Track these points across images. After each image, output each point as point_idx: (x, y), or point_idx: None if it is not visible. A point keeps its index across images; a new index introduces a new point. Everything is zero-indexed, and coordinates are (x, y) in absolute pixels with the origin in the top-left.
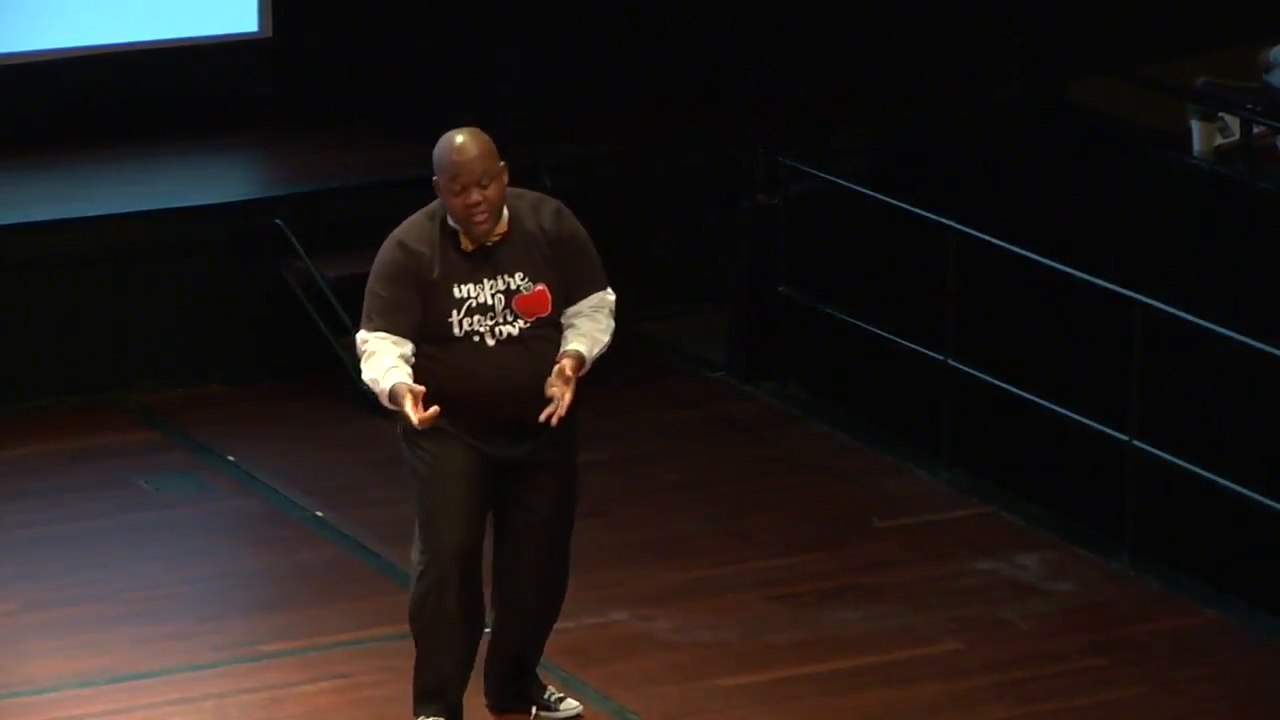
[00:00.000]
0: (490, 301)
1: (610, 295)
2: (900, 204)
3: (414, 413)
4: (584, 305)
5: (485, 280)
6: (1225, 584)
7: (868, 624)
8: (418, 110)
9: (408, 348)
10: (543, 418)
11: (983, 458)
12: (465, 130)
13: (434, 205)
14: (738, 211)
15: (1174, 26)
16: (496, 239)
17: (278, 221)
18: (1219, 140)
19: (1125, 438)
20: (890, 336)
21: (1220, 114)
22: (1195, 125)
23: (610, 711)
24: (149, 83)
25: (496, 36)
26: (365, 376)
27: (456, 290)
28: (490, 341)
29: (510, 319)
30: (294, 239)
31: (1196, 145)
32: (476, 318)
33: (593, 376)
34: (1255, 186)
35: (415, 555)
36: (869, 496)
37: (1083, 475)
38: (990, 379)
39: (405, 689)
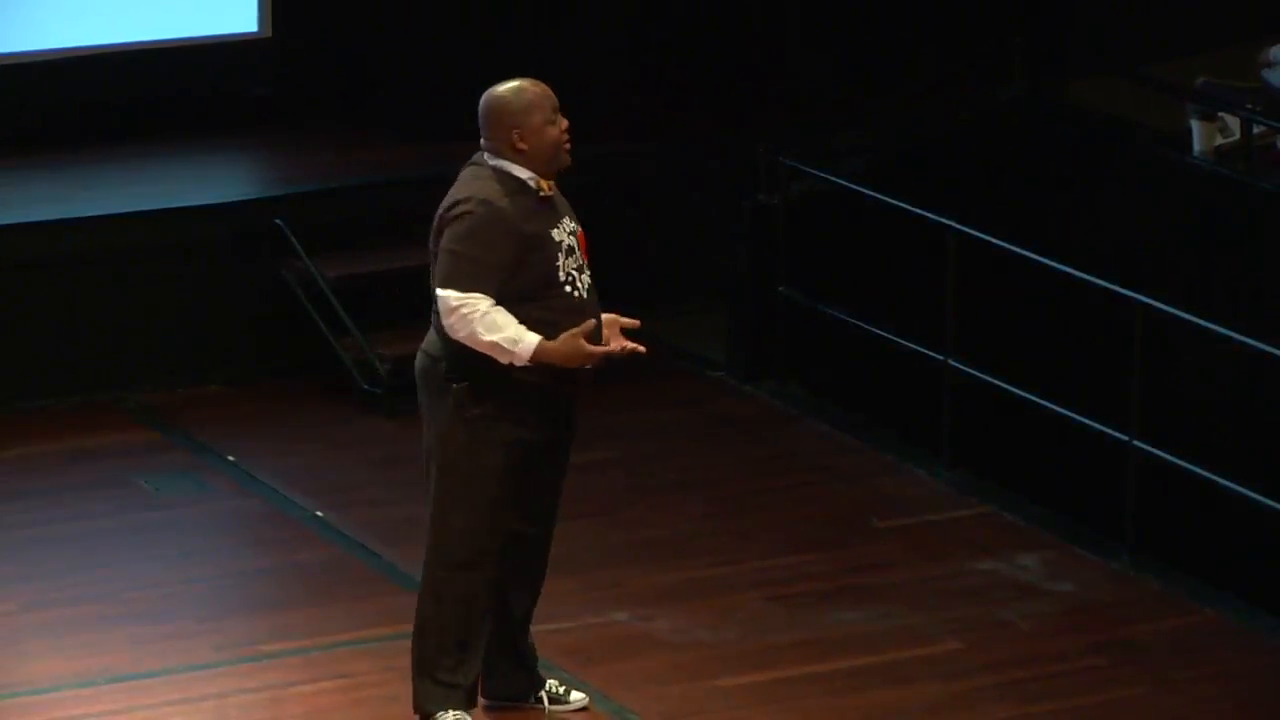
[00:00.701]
0: (570, 243)
1: None
2: (900, 204)
3: (596, 348)
4: None
5: (558, 225)
6: (1225, 584)
7: (868, 624)
8: (418, 110)
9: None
10: (629, 348)
11: (983, 458)
12: (516, 79)
13: (474, 175)
14: (738, 211)
15: (1174, 26)
16: (554, 186)
17: (277, 221)
18: (1219, 140)
19: (1125, 438)
20: (890, 336)
21: (1220, 114)
22: (1195, 125)
23: (611, 711)
24: (149, 83)
25: (497, 36)
26: (486, 338)
27: (554, 234)
28: (583, 292)
29: (582, 264)
30: (294, 239)
31: (1196, 145)
32: (568, 260)
33: (592, 376)
34: (1255, 186)
35: (446, 554)
36: (869, 496)
37: (1083, 475)
38: (990, 379)
39: (405, 689)
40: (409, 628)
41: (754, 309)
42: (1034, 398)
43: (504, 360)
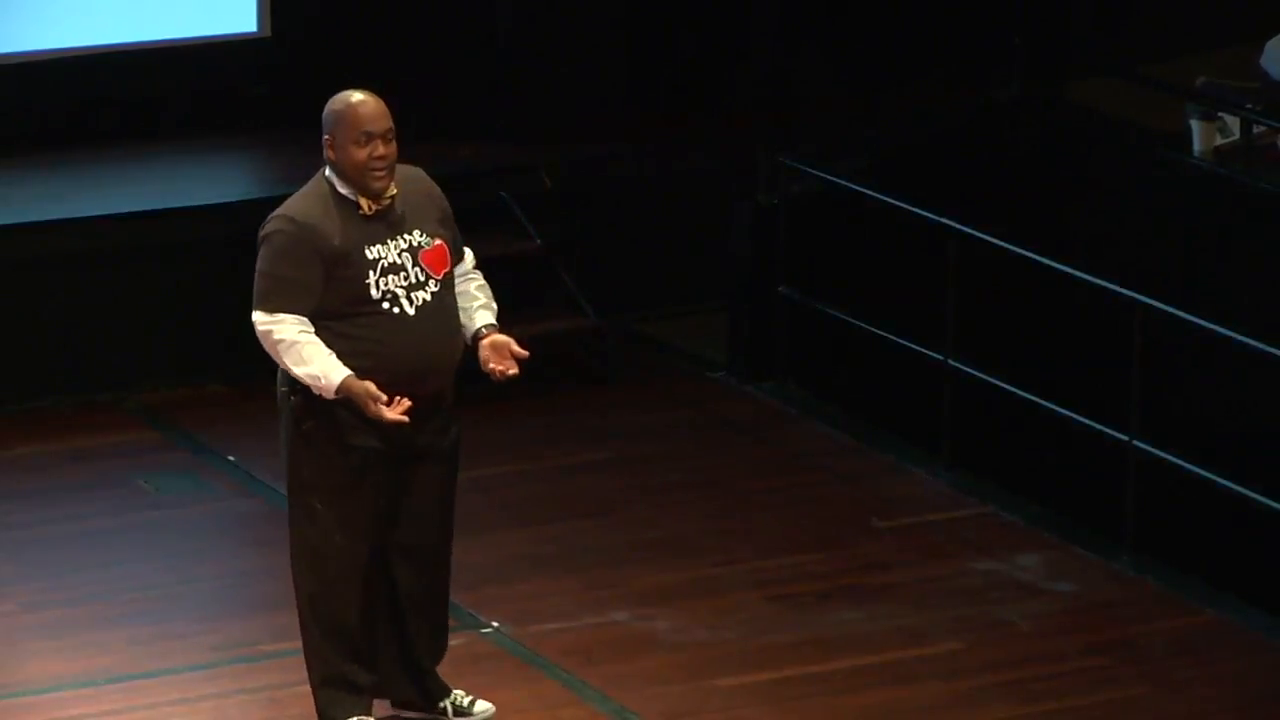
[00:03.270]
0: (399, 260)
1: (472, 255)
2: (900, 204)
3: (384, 411)
4: (466, 266)
5: (389, 241)
6: (1225, 584)
7: (868, 624)
8: (416, 111)
9: (312, 329)
10: (493, 370)
11: (983, 458)
12: (360, 90)
13: (313, 181)
14: (738, 211)
15: (1174, 26)
16: (389, 201)
17: None
18: (1219, 140)
19: (1125, 438)
20: (890, 336)
21: (1220, 114)
22: (1195, 125)
23: (611, 711)
24: (148, 82)
25: (496, 36)
26: (297, 372)
27: (368, 251)
28: (410, 309)
29: (421, 279)
30: None
31: (1196, 145)
32: (390, 277)
33: (592, 376)
34: (1255, 186)
35: (309, 568)
36: (869, 496)
37: (1083, 475)
38: (990, 379)
39: None
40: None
41: (754, 309)
42: (1034, 398)
43: (315, 391)
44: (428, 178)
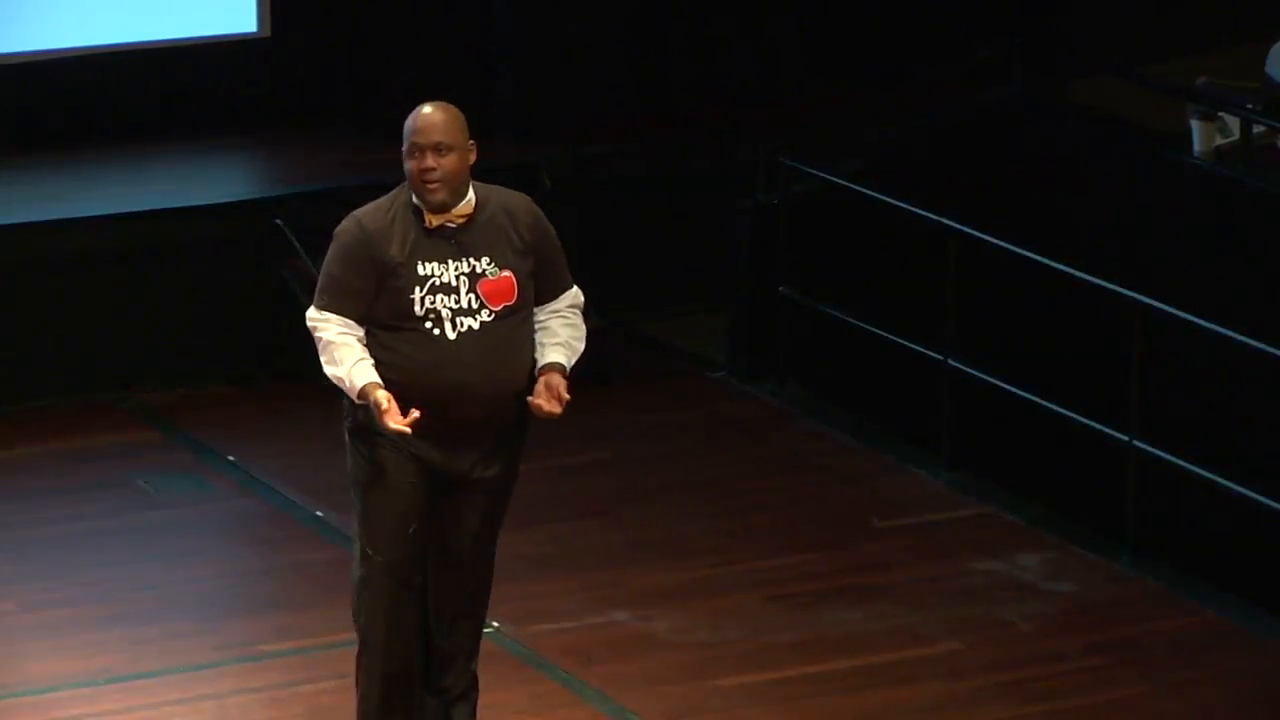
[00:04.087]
0: (454, 283)
1: (581, 295)
2: (900, 204)
3: (389, 420)
4: (559, 304)
5: (450, 260)
6: (1225, 584)
7: (868, 624)
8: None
9: (359, 332)
10: (537, 405)
11: (983, 458)
12: (437, 103)
13: (399, 187)
14: (738, 211)
15: (1174, 26)
16: (461, 220)
17: (278, 222)
18: (1219, 140)
19: (1126, 438)
20: (890, 336)
21: (1220, 114)
22: (1195, 125)
23: (611, 711)
24: (149, 83)
25: (496, 36)
26: (328, 371)
27: (421, 267)
28: (450, 333)
29: (474, 306)
30: (294, 239)
31: (1197, 145)
32: (439, 297)
33: (593, 376)
34: (1255, 186)
35: (354, 568)
36: (869, 496)
37: (1083, 475)
38: (990, 379)
39: None
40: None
41: (754, 309)
42: (1034, 397)
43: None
44: (532, 210)
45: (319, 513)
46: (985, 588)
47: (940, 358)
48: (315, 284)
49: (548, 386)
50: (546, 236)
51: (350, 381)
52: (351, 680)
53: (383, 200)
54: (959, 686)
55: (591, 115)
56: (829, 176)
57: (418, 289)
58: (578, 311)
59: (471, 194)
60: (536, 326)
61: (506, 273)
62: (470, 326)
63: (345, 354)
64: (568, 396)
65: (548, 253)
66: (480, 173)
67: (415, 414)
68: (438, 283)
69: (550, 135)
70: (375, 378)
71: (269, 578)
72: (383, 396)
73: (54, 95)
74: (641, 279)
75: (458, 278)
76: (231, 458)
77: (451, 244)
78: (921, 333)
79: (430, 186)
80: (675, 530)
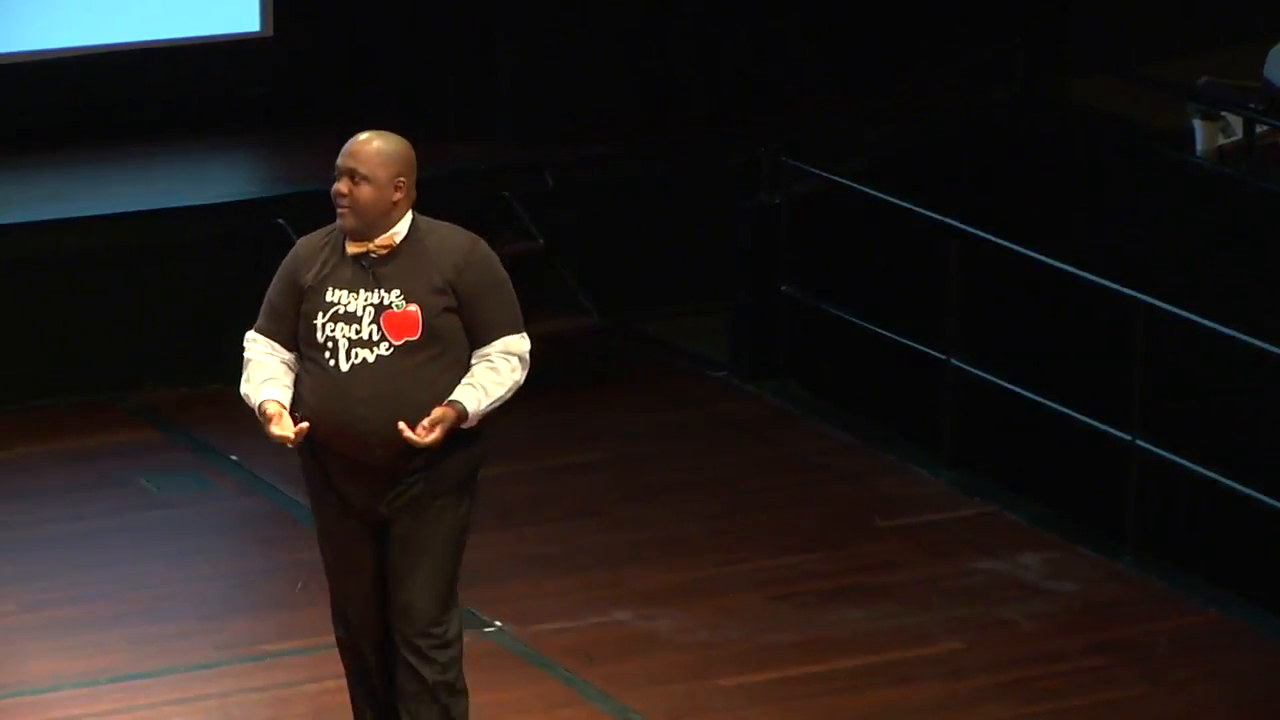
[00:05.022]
0: (359, 312)
1: (522, 343)
2: (902, 203)
3: (270, 428)
4: (489, 349)
5: (362, 290)
6: (1228, 583)
7: (869, 623)
8: (418, 110)
9: (285, 355)
10: (403, 432)
11: (985, 457)
12: (379, 133)
13: None
14: (740, 211)
15: (1174, 26)
16: (383, 251)
17: (279, 221)
18: (1221, 140)
19: (1128, 437)
20: (892, 336)
21: (1222, 113)
22: (1197, 125)
23: (613, 711)
24: (150, 82)
25: (497, 35)
26: (242, 388)
27: (330, 293)
28: (344, 364)
29: (374, 339)
30: (296, 239)
31: (1199, 145)
32: (340, 326)
33: (595, 376)
34: (1258, 186)
35: None
36: (870, 496)
37: (1085, 475)
38: (992, 378)
39: None
40: None
41: (756, 309)
42: (1036, 397)
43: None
44: (470, 252)
45: None
46: (987, 587)
47: (943, 357)
48: None
49: (429, 417)
50: (480, 279)
51: (252, 399)
52: None
53: (329, 226)
54: (960, 686)
55: (594, 115)
56: (831, 176)
57: (320, 315)
58: (510, 359)
59: (403, 227)
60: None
61: (413, 307)
62: (365, 359)
63: (255, 372)
64: (440, 423)
65: (477, 295)
66: (482, 173)
67: (304, 425)
68: (341, 310)
69: (553, 134)
70: (276, 394)
71: (271, 577)
72: (270, 407)
73: (55, 94)
74: (643, 278)
75: (364, 308)
76: (234, 457)
77: (368, 274)
78: (923, 332)
79: (338, 210)
80: (677, 530)
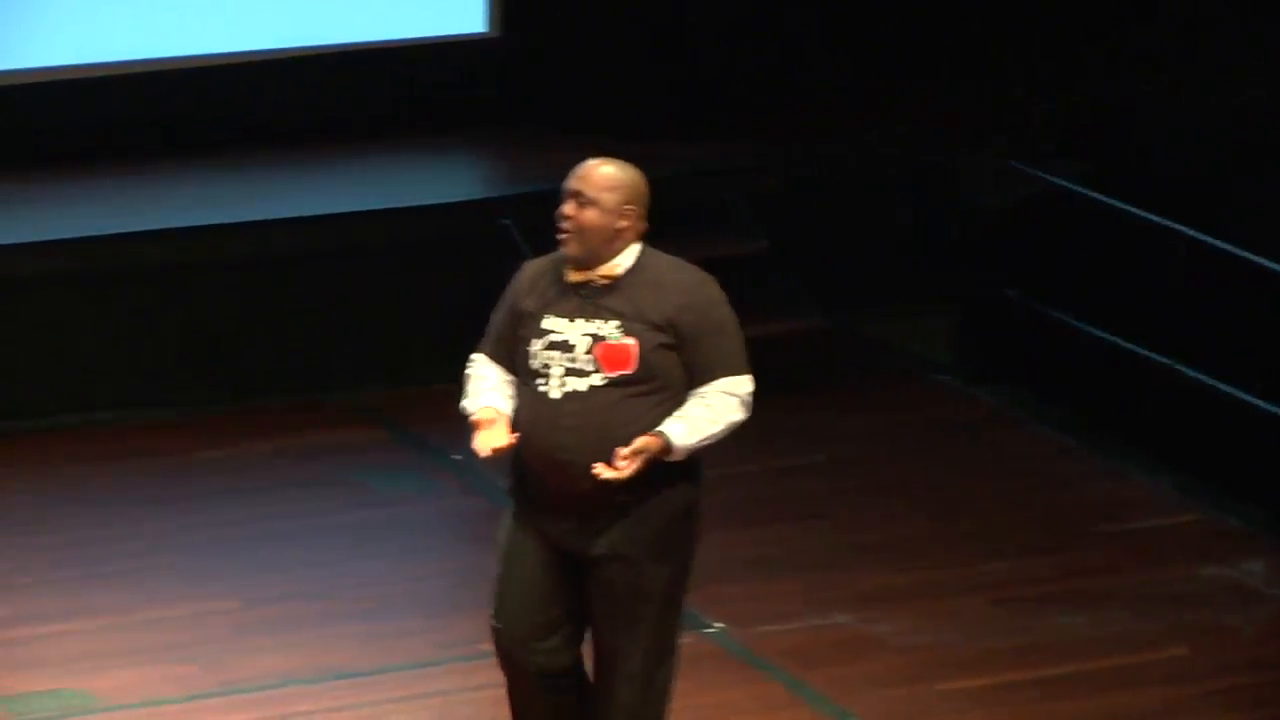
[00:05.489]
0: (574, 341)
1: (743, 384)
2: (1125, 207)
3: (475, 439)
4: (709, 388)
5: (580, 319)
6: None
7: (1090, 629)
8: (641, 110)
9: (505, 376)
10: (596, 470)
11: (1207, 462)
12: (610, 159)
13: None
14: (965, 213)
15: None
16: (605, 281)
17: (505, 222)
18: None
19: None
20: (1116, 340)
21: None
22: None
23: (833, 714)
24: (378, 82)
25: (723, 34)
26: (461, 405)
27: (546, 320)
28: (555, 392)
29: (587, 369)
30: (521, 239)
31: None
32: (555, 353)
33: (818, 377)
34: None
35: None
36: (1092, 500)
37: None
38: (1217, 384)
39: None
40: None
41: (981, 312)
42: (1261, 403)
43: None
44: (693, 290)
45: None
46: (1209, 593)
47: (1167, 362)
48: None
49: (630, 446)
50: (703, 319)
51: (470, 409)
52: None
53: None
54: (1182, 692)
55: (819, 115)
56: (1054, 179)
57: (535, 342)
58: (729, 398)
59: (627, 258)
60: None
61: (629, 340)
62: (576, 388)
63: (476, 385)
64: (641, 452)
65: (699, 335)
66: (707, 173)
67: (512, 439)
68: (556, 338)
69: (777, 135)
70: (495, 402)
71: (492, 576)
72: (484, 413)
73: (287, 95)
74: (867, 280)
75: (580, 337)
76: (456, 456)
77: (587, 304)
78: (1148, 337)
79: (560, 235)
80: (897, 532)
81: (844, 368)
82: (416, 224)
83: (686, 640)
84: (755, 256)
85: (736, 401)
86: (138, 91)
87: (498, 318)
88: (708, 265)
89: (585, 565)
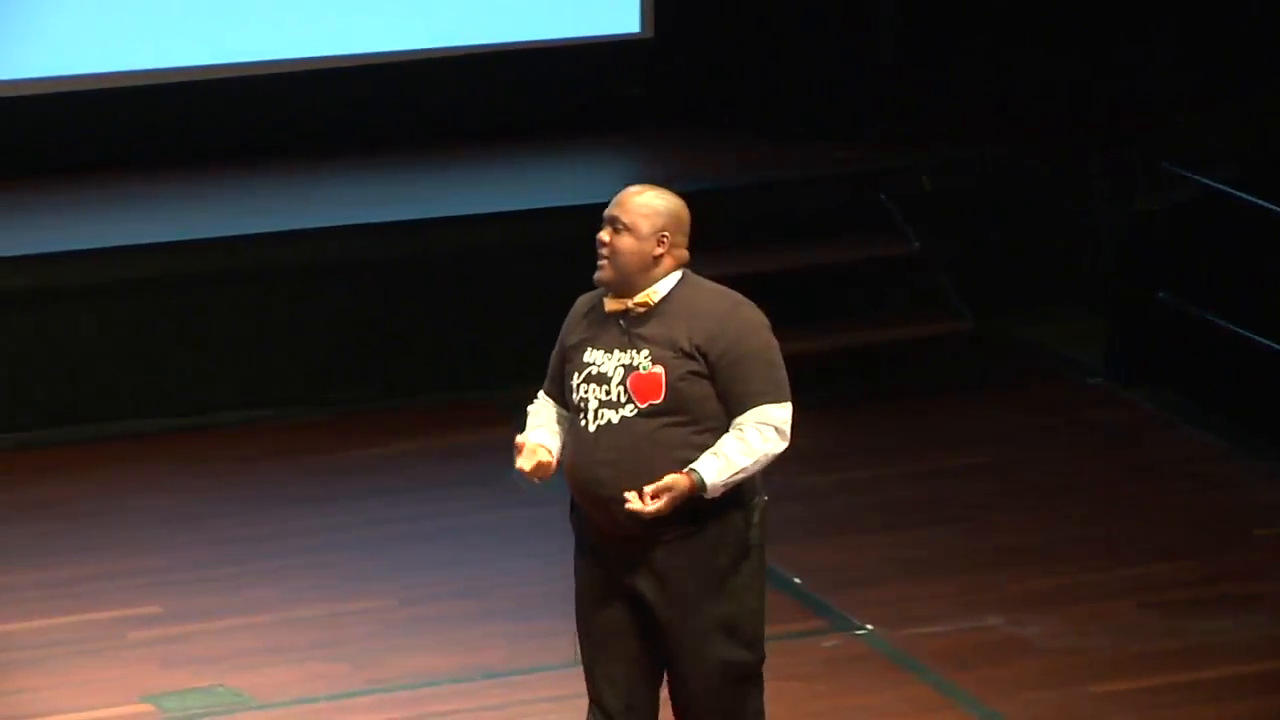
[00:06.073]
0: (610, 373)
1: (779, 412)
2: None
3: (519, 459)
4: (745, 418)
5: (616, 350)
6: None
7: (1241, 633)
8: (793, 110)
9: (565, 414)
10: (627, 498)
11: None
12: (650, 186)
13: None
14: (1116, 216)
15: None
16: (642, 310)
17: None
18: None
19: None
20: (1268, 342)
21: None
22: None
23: (982, 716)
24: (529, 82)
25: (879, 37)
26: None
27: (588, 353)
28: (591, 425)
29: (620, 400)
30: None
31: None
32: (592, 387)
33: (969, 380)
34: None
35: None
36: (1245, 504)
37: None
38: None
39: (779, 689)
40: (782, 629)
41: (1132, 315)
42: None
43: None
44: (728, 318)
45: None
46: None
47: None
48: None
49: (657, 483)
50: (735, 346)
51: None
52: None
53: None
54: None
55: (971, 118)
56: (1208, 181)
57: (577, 375)
58: (764, 429)
59: (663, 287)
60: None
61: (658, 369)
62: (610, 420)
63: (530, 422)
64: (660, 503)
65: (732, 362)
66: (860, 174)
67: (542, 462)
68: (594, 371)
69: (929, 137)
70: (541, 438)
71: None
72: (525, 441)
73: (439, 94)
74: (1018, 283)
75: (615, 369)
76: None
77: (624, 334)
78: None
79: (598, 260)
80: (1047, 535)
81: (995, 370)
82: (568, 224)
83: (836, 641)
84: (907, 258)
85: (772, 431)
86: (299, 88)
87: (553, 354)
88: (861, 266)
89: (644, 605)
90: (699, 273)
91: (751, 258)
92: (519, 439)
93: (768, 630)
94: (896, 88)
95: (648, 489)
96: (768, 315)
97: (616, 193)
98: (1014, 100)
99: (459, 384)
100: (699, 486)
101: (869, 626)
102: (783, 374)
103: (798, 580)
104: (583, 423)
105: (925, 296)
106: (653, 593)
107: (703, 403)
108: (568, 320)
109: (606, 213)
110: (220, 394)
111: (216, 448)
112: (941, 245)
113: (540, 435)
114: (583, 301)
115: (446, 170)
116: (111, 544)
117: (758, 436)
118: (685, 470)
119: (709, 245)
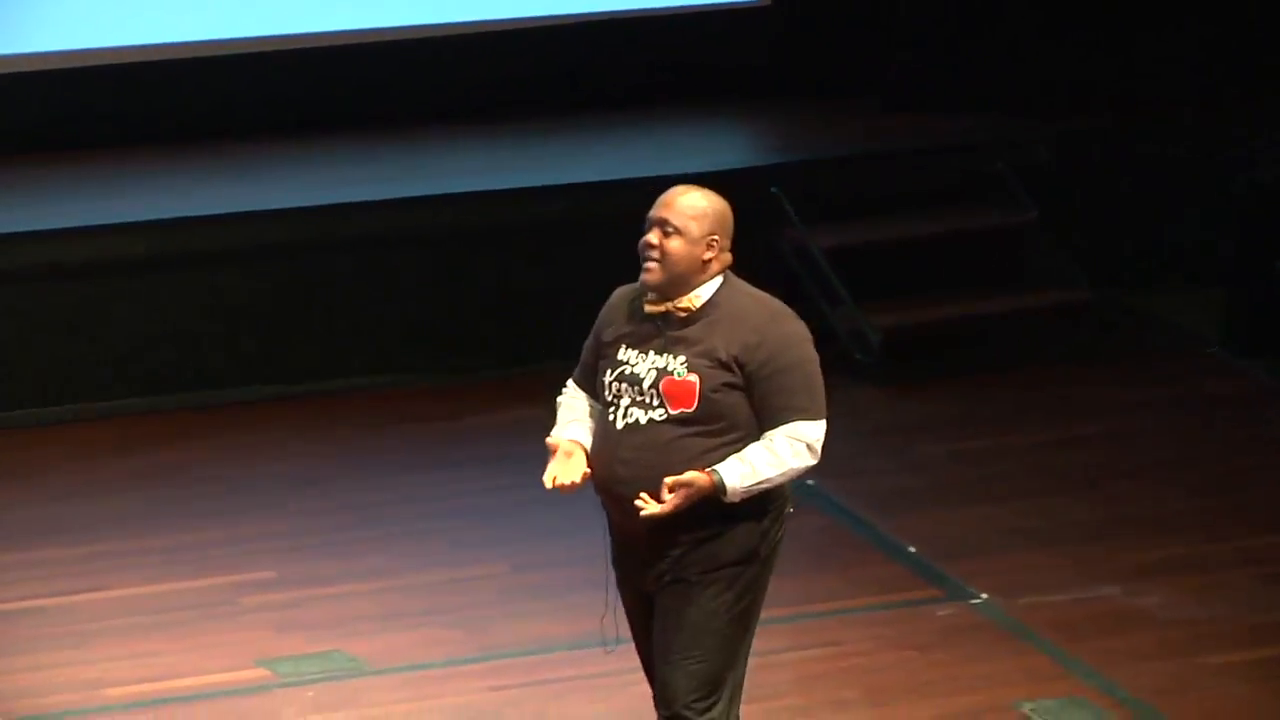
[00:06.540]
0: (643, 374)
1: (813, 429)
2: None
3: (550, 466)
4: (774, 432)
5: (651, 352)
6: None
7: None
8: (914, 83)
9: (584, 400)
10: (641, 503)
11: None
12: (703, 189)
13: None
14: (1236, 188)
15: None
16: (683, 314)
17: (774, 190)
18: None
19: None
20: None
21: None
22: None
23: (1099, 686)
24: (647, 50)
25: (1001, 8)
26: (548, 440)
27: (621, 351)
28: (619, 422)
29: (651, 403)
30: (789, 208)
31: None
32: (624, 386)
33: (1085, 350)
34: None
35: None
36: None
37: None
38: None
39: (894, 658)
40: (898, 597)
41: (1251, 286)
42: None
43: None
44: (768, 330)
45: (810, 481)
46: None
47: None
48: (808, 252)
49: (675, 477)
50: (773, 359)
51: (549, 442)
52: (837, 649)
53: None
54: None
55: (1092, 89)
56: None
57: (610, 372)
58: (795, 443)
59: (706, 291)
60: None
61: (692, 377)
62: (638, 419)
63: (562, 415)
64: (687, 487)
65: (768, 375)
66: (979, 144)
67: (584, 474)
68: (628, 370)
69: (1050, 108)
70: (576, 435)
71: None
72: (558, 443)
73: (562, 61)
74: (1132, 251)
75: (649, 370)
76: None
77: (661, 336)
78: None
79: (645, 264)
80: (1163, 506)
81: (1111, 340)
82: None
83: (952, 611)
84: (1024, 227)
85: (803, 447)
86: (408, 56)
87: (587, 344)
88: (978, 235)
89: (657, 611)
90: (823, 243)
91: (872, 226)
92: (550, 439)
93: (882, 599)
94: (1018, 59)
95: (667, 480)
96: (878, 286)
97: (741, 160)
98: (1131, 73)
99: (578, 351)
100: (719, 488)
101: (984, 595)
102: (820, 389)
103: (913, 549)
104: (611, 417)
105: (1042, 266)
106: (666, 589)
107: (736, 415)
108: (604, 312)
109: (652, 214)
110: (340, 361)
111: (335, 414)
112: (1059, 215)
113: (573, 430)
114: (620, 295)
115: (571, 138)
116: (230, 510)
117: (788, 450)
118: (706, 470)
119: (829, 215)
